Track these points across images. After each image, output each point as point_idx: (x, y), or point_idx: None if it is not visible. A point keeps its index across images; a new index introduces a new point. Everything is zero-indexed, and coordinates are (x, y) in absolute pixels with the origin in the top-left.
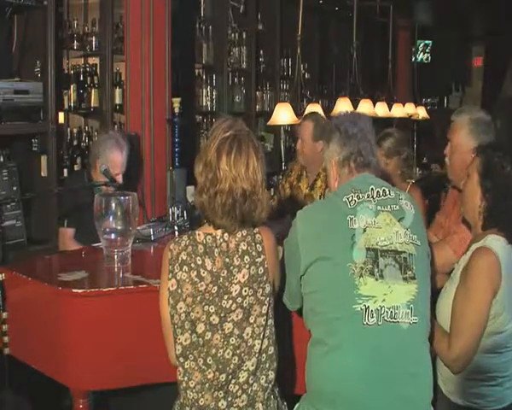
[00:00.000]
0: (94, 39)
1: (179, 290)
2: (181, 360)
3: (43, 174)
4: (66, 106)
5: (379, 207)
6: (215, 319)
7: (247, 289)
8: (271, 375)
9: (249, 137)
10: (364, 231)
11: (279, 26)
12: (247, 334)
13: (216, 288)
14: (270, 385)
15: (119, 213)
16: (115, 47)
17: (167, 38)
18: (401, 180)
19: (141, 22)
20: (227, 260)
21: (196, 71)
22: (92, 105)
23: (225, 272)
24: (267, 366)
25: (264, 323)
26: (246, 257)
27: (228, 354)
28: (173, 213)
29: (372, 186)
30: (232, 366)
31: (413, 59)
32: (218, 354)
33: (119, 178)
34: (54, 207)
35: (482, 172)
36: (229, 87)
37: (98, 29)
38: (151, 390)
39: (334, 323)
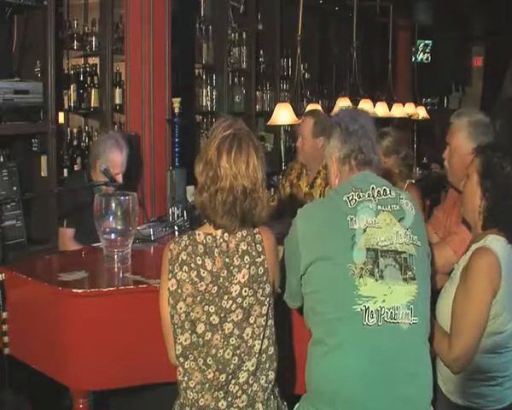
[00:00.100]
0: (94, 39)
1: (179, 290)
2: (181, 360)
3: (43, 174)
4: (66, 106)
5: (379, 207)
6: (215, 319)
7: (247, 289)
8: (271, 375)
9: (249, 136)
10: (365, 231)
11: (279, 26)
12: (247, 334)
13: (216, 288)
14: (270, 385)
15: (119, 213)
16: (115, 47)
17: (167, 38)
18: (399, 179)
19: (141, 22)
20: (227, 260)
21: (196, 71)
22: (92, 105)
23: (225, 272)
24: (267, 366)
25: (264, 323)
26: (246, 257)
27: (228, 354)
28: (173, 213)
29: (373, 185)
30: (232, 367)
31: (413, 59)
32: (218, 355)
33: (119, 178)
34: (54, 207)
35: (482, 172)
36: (229, 87)
37: (98, 29)
38: (151, 390)
39: (334, 323)
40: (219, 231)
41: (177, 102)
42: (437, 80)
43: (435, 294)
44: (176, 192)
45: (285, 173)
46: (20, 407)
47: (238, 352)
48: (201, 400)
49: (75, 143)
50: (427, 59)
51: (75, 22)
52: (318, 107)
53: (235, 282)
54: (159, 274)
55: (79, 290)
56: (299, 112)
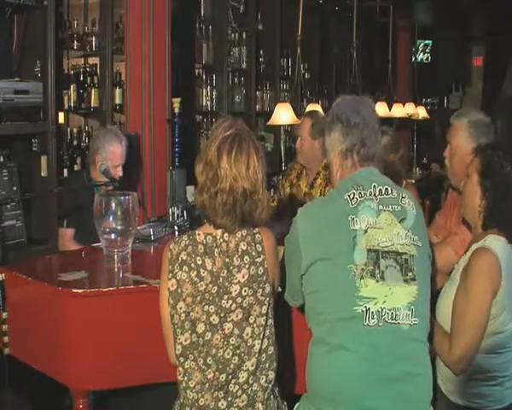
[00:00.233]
0: (94, 39)
1: (179, 290)
2: (181, 359)
3: (43, 174)
4: (66, 106)
5: (380, 207)
6: (215, 319)
7: (246, 289)
8: (271, 375)
9: (250, 137)
10: (366, 231)
11: (279, 26)
12: (247, 334)
13: (216, 288)
14: (270, 385)
15: (119, 213)
16: (115, 47)
17: (167, 37)
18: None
19: (141, 22)
20: (227, 260)
21: (196, 71)
22: (92, 105)
23: (225, 272)
24: (267, 365)
25: (263, 323)
26: (245, 257)
27: (228, 354)
28: (173, 213)
29: (374, 183)
30: (232, 366)
31: (413, 59)
32: (218, 354)
33: (119, 171)
34: (54, 207)
35: (482, 171)
36: (229, 87)
37: (98, 29)
38: (151, 390)
39: (335, 323)
40: (219, 231)
41: (177, 102)
42: (437, 80)
43: (435, 294)
44: (176, 192)
45: (285, 173)
46: (20, 407)
47: (238, 352)
48: (201, 400)
49: (75, 143)
50: (427, 59)
51: (75, 22)
52: (318, 107)
53: (235, 282)
54: (159, 274)
55: (79, 290)
56: (299, 112)
